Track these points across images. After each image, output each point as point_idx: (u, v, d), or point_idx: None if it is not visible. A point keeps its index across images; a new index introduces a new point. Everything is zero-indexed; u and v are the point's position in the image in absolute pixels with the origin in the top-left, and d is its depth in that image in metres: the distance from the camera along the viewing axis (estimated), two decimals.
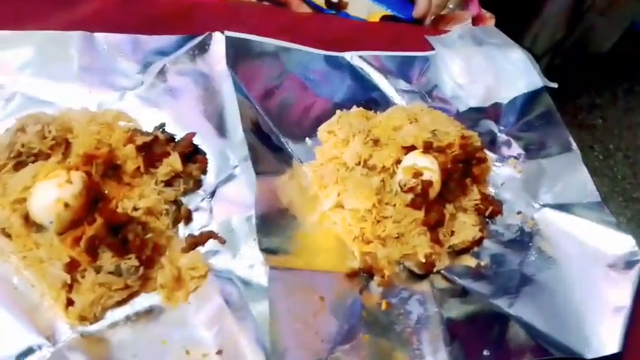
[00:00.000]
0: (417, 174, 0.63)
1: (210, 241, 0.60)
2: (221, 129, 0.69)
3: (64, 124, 0.58)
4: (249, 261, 0.58)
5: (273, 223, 0.61)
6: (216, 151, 0.67)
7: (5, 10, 0.69)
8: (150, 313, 0.54)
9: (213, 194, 0.64)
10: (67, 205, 0.51)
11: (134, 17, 0.74)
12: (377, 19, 0.93)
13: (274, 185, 0.64)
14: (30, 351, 0.49)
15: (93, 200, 0.54)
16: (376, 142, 0.68)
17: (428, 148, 0.66)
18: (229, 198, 0.64)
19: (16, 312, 0.51)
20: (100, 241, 0.51)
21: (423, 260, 0.61)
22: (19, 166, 0.54)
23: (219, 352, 0.52)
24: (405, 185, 0.63)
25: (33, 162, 0.54)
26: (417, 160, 0.64)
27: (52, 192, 0.51)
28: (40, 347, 0.49)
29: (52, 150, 0.55)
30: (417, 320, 0.58)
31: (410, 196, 0.63)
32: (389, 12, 0.95)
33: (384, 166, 0.65)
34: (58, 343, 0.50)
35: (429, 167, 0.63)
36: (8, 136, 0.55)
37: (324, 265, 0.60)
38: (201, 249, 0.59)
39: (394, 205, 0.64)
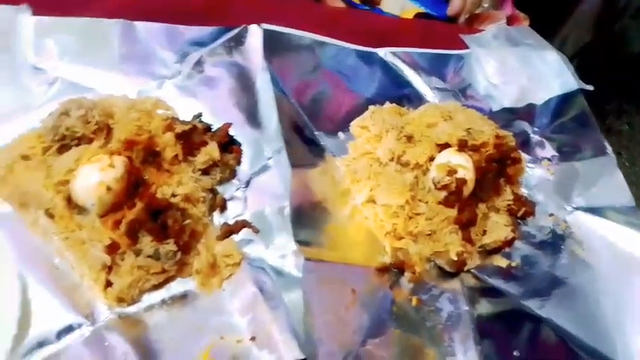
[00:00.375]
0: (452, 172, 0.63)
1: (244, 230, 0.61)
2: (255, 121, 0.69)
3: (105, 109, 0.59)
4: (282, 251, 0.59)
5: (306, 215, 0.61)
6: (251, 142, 0.67)
7: None
8: (185, 298, 0.55)
9: (247, 184, 0.65)
10: (109, 188, 0.52)
11: (173, 7, 0.75)
12: (410, 16, 0.93)
13: (307, 178, 0.65)
14: (70, 328, 0.50)
15: (133, 185, 0.55)
16: (410, 138, 0.68)
17: (462, 146, 0.66)
18: (263, 189, 0.64)
19: (56, 291, 0.52)
20: (140, 225, 0.52)
21: (455, 258, 0.61)
22: (62, 149, 0.55)
23: (252, 339, 0.52)
24: (438, 182, 0.63)
25: (76, 145, 0.55)
26: (452, 157, 0.64)
27: (94, 175, 0.52)
28: (79, 325, 0.50)
29: (95, 134, 0.56)
30: (447, 317, 0.59)
31: (443, 194, 0.63)
32: (422, 9, 0.95)
33: (417, 163, 0.65)
34: (96, 322, 0.51)
35: (464, 165, 0.63)
36: (52, 120, 0.56)
37: (356, 259, 0.61)
38: (235, 237, 0.60)
39: (427, 202, 0.64)
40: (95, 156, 0.54)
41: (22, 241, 0.53)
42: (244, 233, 0.61)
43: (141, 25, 0.71)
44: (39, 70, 0.65)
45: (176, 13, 0.74)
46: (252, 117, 0.70)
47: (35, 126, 0.59)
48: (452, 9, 0.92)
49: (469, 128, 0.67)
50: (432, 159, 0.66)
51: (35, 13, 0.68)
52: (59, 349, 0.49)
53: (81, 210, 0.53)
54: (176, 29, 0.73)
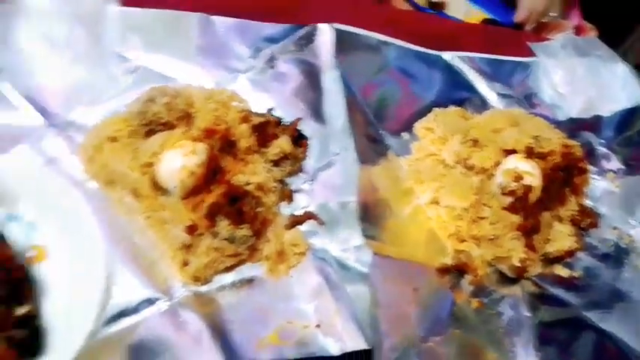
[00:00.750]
0: (518, 178, 0.63)
1: (310, 221, 0.63)
2: (321, 117, 0.71)
3: (187, 98, 0.61)
4: (345, 245, 0.61)
5: (370, 211, 0.62)
6: (317, 137, 0.69)
7: None
8: (253, 282, 0.57)
9: (313, 178, 0.66)
10: (191, 172, 0.55)
11: (248, 4, 0.78)
12: (475, 22, 0.93)
13: (372, 175, 0.66)
14: (148, 302, 0.53)
15: (212, 171, 0.57)
16: (475, 142, 0.69)
17: (529, 153, 0.66)
18: (328, 183, 0.66)
19: (136, 266, 0.55)
20: (219, 208, 0.55)
21: (518, 264, 0.61)
22: (148, 133, 0.58)
23: (318, 326, 0.54)
24: (505, 188, 0.63)
25: (160, 131, 0.58)
26: (519, 164, 0.64)
27: (178, 160, 0.55)
28: (156, 300, 0.53)
29: (177, 121, 0.59)
30: (508, 322, 0.59)
31: (508, 200, 0.63)
32: (488, 15, 0.95)
33: (483, 167, 0.66)
34: (172, 298, 0.54)
35: (531, 172, 0.64)
36: (139, 105, 0.59)
37: (418, 258, 0.62)
38: (301, 228, 0.62)
39: (491, 207, 0.64)
40: (179, 142, 0.56)
41: (107, 217, 0.56)
42: (309, 225, 0.63)
43: (218, 20, 0.75)
44: (123, 59, 0.68)
45: (251, 9, 0.77)
46: (319, 113, 0.72)
47: (120, 110, 0.62)
48: (519, 16, 0.91)
49: (537, 135, 0.67)
50: (497, 164, 0.66)
51: (121, 4, 0.71)
52: (138, 321, 0.52)
53: (164, 191, 0.56)
54: (251, 25, 0.76)
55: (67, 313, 0.50)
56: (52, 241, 0.53)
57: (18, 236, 0.53)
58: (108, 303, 0.52)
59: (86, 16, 0.69)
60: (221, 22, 0.75)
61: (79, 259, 0.52)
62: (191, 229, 0.54)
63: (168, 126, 0.59)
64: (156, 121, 0.58)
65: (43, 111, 0.62)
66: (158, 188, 0.56)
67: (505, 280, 0.63)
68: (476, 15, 0.94)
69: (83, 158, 0.59)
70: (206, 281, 0.56)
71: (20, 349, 0.47)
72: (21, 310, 0.48)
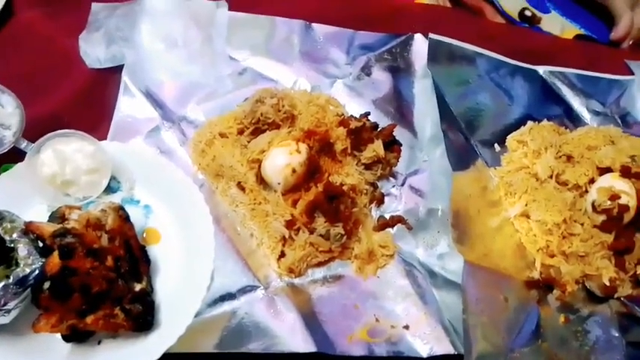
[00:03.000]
0: (614, 197, 0.62)
1: (398, 225, 0.65)
2: (412, 124, 0.73)
3: (291, 101, 0.65)
4: (432, 251, 0.62)
5: (461, 219, 0.64)
6: (407, 144, 0.71)
7: None
8: (342, 278, 0.60)
9: (403, 183, 0.68)
10: (294, 170, 0.58)
11: (347, 13, 0.81)
12: (570, 37, 0.92)
13: (461, 183, 0.67)
14: (248, 289, 0.57)
15: (311, 171, 0.61)
16: (569, 158, 0.68)
17: (626, 172, 0.65)
18: (417, 189, 0.68)
19: (237, 254, 0.59)
20: (318, 206, 0.58)
21: (608, 283, 0.61)
22: (256, 131, 0.62)
23: (406, 327, 0.56)
24: (599, 206, 0.63)
25: (267, 130, 0.62)
26: (615, 182, 0.64)
27: (283, 158, 0.59)
28: (255, 288, 0.57)
29: (283, 122, 0.63)
30: (595, 341, 0.59)
31: (602, 218, 0.63)
32: (582, 31, 0.93)
33: (576, 184, 0.66)
34: (269, 287, 0.58)
35: (627, 191, 0.63)
36: (249, 105, 0.63)
37: (504, 269, 0.62)
38: (390, 231, 0.64)
39: (582, 224, 0.64)
40: (284, 141, 0.60)
41: (212, 206, 0.61)
42: (397, 228, 0.65)
43: (318, 27, 0.78)
44: (232, 60, 0.73)
45: (350, 18, 0.80)
46: (410, 121, 0.74)
47: (230, 108, 0.67)
48: (616, 34, 0.89)
49: (634, 155, 0.66)
50: (591, 181, 0.66)
51: (231, 8, 0.76)
52: (238, 306, 0.56)
53: (267, 186, 0.60)
54: (349, 33, 0.79)
55: (177, 293, 0.55)
56: (166, 225, 0.58)
57: (136, 218, 0.58)
58: (211, 286, 0.56)
59: (200, 18, 0.74)
60: (321, 29, 0.78)
61: (190, 242, 0.57)
62: (290, 223, 0.58)
63: (274, 125, 0.63)
64: (263, 120, 0.62)
65: (158, 105, 0.68)
66: (263, 183, 0.60)
67: (593, 298, 0.63)
68: (571, 30, 0.93)
69: (194, 151, 0.64)
70: (300, 274, 0.59)
71: (136, 322, 0.52)
72: (137, 287, 0.53)
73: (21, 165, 0.57)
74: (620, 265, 0.63)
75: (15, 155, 0.57)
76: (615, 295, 0.62)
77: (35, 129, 0.58)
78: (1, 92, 0.56)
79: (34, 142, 0.57)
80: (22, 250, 0.49)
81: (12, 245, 0.49)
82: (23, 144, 0.57)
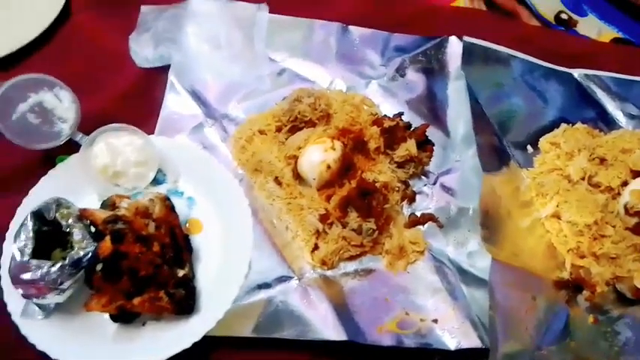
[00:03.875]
0: None
1: (429, 223, 0.66)
2: (445, 125, 0.75)
3: (327, 100, 0.68)
4: (462, 248, 0.64)
5: (491, 218, 0.65)
6: (439, 144, 0.73)
7: None
8: (373, 272, 0.62)
9: (435, 182, 0.70)
10: (328, 166, 0.61)
11: (382, 15, 0.83)
12: (607, 40, 0.92)
13: (494, 183, 0.68)
14: (283, 279, 0.60)
15: (345, 168, 0.63)
16: (602, 160, 0.69)
17: None
18: (449, 188, 0.69)
19: (273, 246, 0.62)
20: (351, 201, 0.60)
21: (638, 286, 0.61)
22: (293, 129, 0.65)
23: (434, 321, 0.58)
24: (632, 208, 0.63)
25: (304, 127, 0.65)
26: None
27: (319, 154, 0.61)
28: (289, 278, 0.60)
29: (319, 120, 0.66)
30: (625, 342, 0.59)
31: (634, 220, 0.63)
32: (620, 35, 0.93)
33: (609, 186, 0.66)
34: (303, 278, 0.60)
35: None
36: (287, 104, 0.66)
37: (534, 268, 0.63)
38: (420, 228, 0.66)
39: (614, 226, 0.64)
40: (320, 138, 0.63)
41: (251, 199, 0.64)
42: (428, 226, 0.66)
43: (355, 29, 0.81)
44: (271, 61, 0.76)
45: (386, 21, 0.82)
46: (443, 121, 0.75)
47: (269, 106, 0.70)
48: None
49: None
50: (624, 184, 0.66)
51: (271, 11, 0.79)
52: (273, 295, 0.58)
53: (302, 181, 0.63)
54: (384, 35, 0.81)
55: (217, 280, 0.58)
56: (207, 216, 0.62)
57: (180, 209, 0.61)
58: (248, 274, 0.59)
59: (241, 21, 0.77)
60: (357, 31, 0.81)
61: (230, 233, 0.60)
62: (324, 218, 0.60)
63: (311, 124, 0.66)
64: (301, 118, 0.65)
65: (202, 103, 0.71)
66: (298, 178, 0.63)
67: (624, 300, 0.63)
68: (608, 34, 0.92)
69: (235, 147, 0.67)
70: (332, 266, 0.61)
71: (178, 305, 0.55)
72: (180, 273, 0.56)
73: (76, 156, 0.61)
74: None
75: (70, 147, 0.62)
76: None
77: (89, 123, 0.62)
78: (59, 88, 0.61)
79: (88, 135, 0.61)
80: (77, 234, 0.52)
81: (68, 230, 0.53)
82: (78, 136, 0.62)
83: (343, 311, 0.58)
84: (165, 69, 0.73)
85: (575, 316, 0.60)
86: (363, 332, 0.57)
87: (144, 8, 0.77)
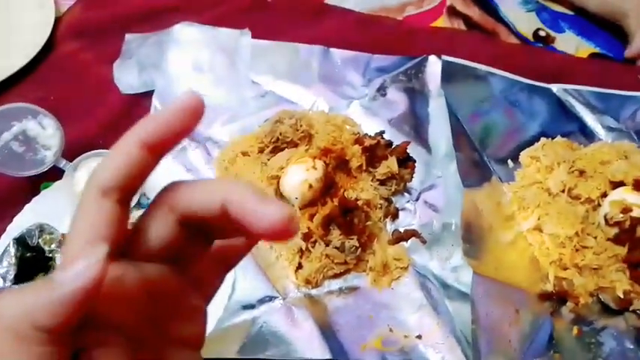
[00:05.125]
0: (626, 210, 0.63)
1: (412, 239, 0.67)
2: (427, 142, 0.76)
3: (308, 121, 0.69)
4: (445, 264, 0.64)
5: (472, 233, 0.65)
6: (422, 160, 0.74)
7: (264, 23, 0.84)
8: (357, 289, 0.63)
9: (417, 198, 0.71)
10: (310, 186, 0.62)
11: (364, 37, 0.85)
12: (585, 56, 0.94)
13: (475, 198, 0.69)
14: (267, 299, 0.60)
15: (327, 186, 0.64)
16: (582, 173, 0.69)
17: (638, 185, 0.66)
18: (431, 204, 0.70)
19: (257, 266, 0.62)
20: (333, 219, 0.61)
21: (622, 296, 0.61)
22: (275, 150, 0.66)
23: (418, 337, 0.58)
24: (611, 219, 0.64)
25: (286, 148, 0.66)
26: (627, 196, 0.64)
27: (300, 174, 0.62)
28: (273, 298, 0.60)
29: (300, 141, 0.67)
30: (609, 353, 0.59)
31: (614, 231, 0.64)
32: (597, 50, 0.95)
33: (589, 197, 0.67)
34: (286, 297, 0.60)
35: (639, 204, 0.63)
36: (269, 125, 0.67)
37: (518, 282, 0.63)
38: (404, 244, 0.66)
39: (595, 237, 0.65)
40: (301, 158, 0.64)
41: None
42: (412, 242, 0.67)
43: (336, 52, 0.82)
44: (254, 84, 0.78)
45: (367, 42, 0.84)
46: (424, 138, 0.76)
47: (252, 129, 0.71)
48: (631, 51, 0.90)
49: None
50: (604, 195, 0.67)
51: (253, 36, 0.81)
52: (257, 315, 0.59)
53: (285, 201, 0.64)
54: (365, 57, 0.82)
55: None
56: None
57: None
58: (232, 295, 0.59)
59: (225, 46, 0.79)
60: (339, 53, 0.82)
61: None
62: (307, 236, 0.61)
63: (292, 144, 0.66)
64: (282, 139, 0.66)
65: None
66: (281, 198, 0.63)
67: (608, 311, 0.63)
68: (586, 49, 0.94)
69: (218, 169, 0.68)
70: (316, 285, 0.62)
71: None
72: None
73: (59, 183, 0.62)
74: (635, 278, 0.63)
75: (54, 173, 0.62)
76: (631, 308, 0.63)
77: (73, 149, 0.63)
78: (43, 115, 0.62)
79: (72, 162, 0.62)
80: (59, 259, 0.53)
81: (50, 255, 0.54)
82: (62, 163, 0.63)
83: (327, 330, 0.58)
84: (149, 94, 0.74)
85: (559, 328, 0.61)
86: (346, 351, 0.57)
87: (128, 36, 0.79)
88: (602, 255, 0.64)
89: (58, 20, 0.81)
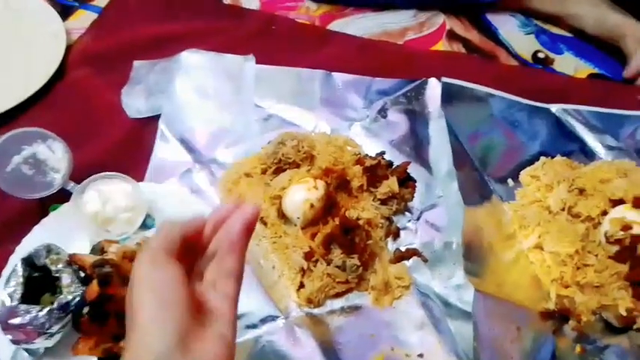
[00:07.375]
0: (626, 227, 0.64)
1: (414, 258, 0.67)
2: (428, 162, 0.77)
3: (310, 142, 0.70)
4: (447, 282, 0.65)
5: (474, 252, 0.66)
6: (422, 180, 0.75)
7: (268, 49, 0.86)
8: (359, 309, 0.63)
9: (418, 218, 0.72)
10: (312, 205, 0.63)
11: (365, 62, 0.87)
12: (583, 76, 0.95)
13: (476, 217, 0.70)
14: (269, 318, 0.60)
15: (328, 206, 0.65)
16: (581, 191, 0.70)
17: (638, 203, 0.66)
18: (432, 223, 0.71)
19: (259, 286, 0.63)
20: (334, 238, 0.62)
21: (624, 314, 0.61)
22: (278, 170, 0.68)
23: (420, 355, 0.58)
24: (611, 237, 0.64)
25: (288, 169, 0.68)
26: (627, 213, 0.65)
27: (302, 194, 0.63)
28: (276, 317, 0.61)
29: (302, 161, 0.68)
30: None
31: (615, 248, 0.64)
32: (596, 70, 0.96)
33: (589, 216, 0.67)
34: (289, 317, 0.61)
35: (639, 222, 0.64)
36: (272, 147, 0.69)
37: (520, 301, 0.64)
38: (406, 263, 0.67)
39: (596, 255, 0.65)
40: (303, 178, 0.65)
41: None
42: (413, 261, 0.68)
43: (337, 76, 0.84)
44: (259, 107, 0.80)
45: (368, 66, 0.86)
46: (425, 159, 0.78)
47: (256, 150, 0.73)
48: (629, 71, 0.92)
49: None
50: (604, 213, 0.67)
51: (258, 62, 0.83)
52: (259, 334, 0.59)
53: (287, 221, 0.65)
54: (366, 80, 0.84)
55: None
56: None
57: None
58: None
59: (229, 71, 0.81)
60: (340, 77, 0.84)
61: None
62: (308, 255, 0.62)
63: (294, 165, 0.68)
64: (285, 160, 0.68)
65: (191, 150, 0.74)
66: (283, 217, 0.65)
67: (611, 329, 0.63)
68: (584, 70, 0.96)
69: (222, 190, 0.69)
70: (318, 304, 0.62)
71: None
72: None
73: (67, 205, 0.64)
74: (638, 296, 0.63)
75: (63, 196, 0.64)
76: (634, 327, 0.62)
77: (81, 172, 0.65)
78: (52, 140, 0.64)
79: (79, 184, 0.63)
80: (66, 278, 0.54)
81: (57, 275, 0.55)
82: (70, 185, 0.64)
83: (329, 349, 0.59)
84: (155, 118, 0.76)
85: (562, 346, 0.60)
86: None
87: (136, 63, 0.82)
88: (603, 273, 0.64)
89: (69, 48, 0.84)
